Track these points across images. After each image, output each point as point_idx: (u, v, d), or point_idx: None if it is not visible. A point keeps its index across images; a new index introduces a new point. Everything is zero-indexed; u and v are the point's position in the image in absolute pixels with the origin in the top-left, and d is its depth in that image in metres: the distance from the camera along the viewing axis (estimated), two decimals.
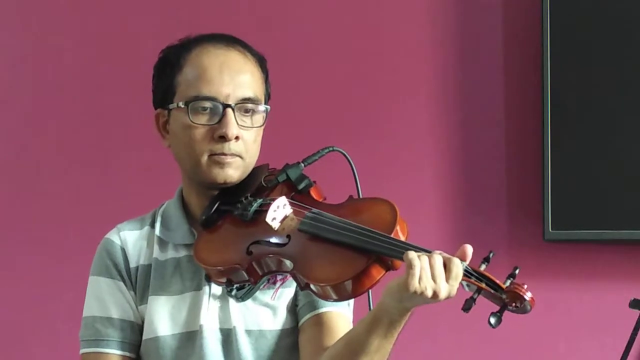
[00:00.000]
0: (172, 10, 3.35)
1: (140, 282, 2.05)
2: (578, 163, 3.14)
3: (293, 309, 2.05)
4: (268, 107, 2.06)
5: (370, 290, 1.90)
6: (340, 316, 2.04)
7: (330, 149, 2.06)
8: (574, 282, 3.23)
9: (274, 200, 1.96)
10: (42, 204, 3.38)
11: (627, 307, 2.86)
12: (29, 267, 3.37)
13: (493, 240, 3.25)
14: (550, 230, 3.14)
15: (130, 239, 2.08)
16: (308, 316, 2.03)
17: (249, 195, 2.02)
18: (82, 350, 2.08)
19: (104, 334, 2.05)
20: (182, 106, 2.01)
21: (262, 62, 2.09)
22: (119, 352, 2.05)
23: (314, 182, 2.02)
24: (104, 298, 2.06)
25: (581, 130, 3.15)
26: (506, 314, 1.75)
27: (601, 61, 3.14)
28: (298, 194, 2.00)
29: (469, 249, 1.79)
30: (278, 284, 2.04)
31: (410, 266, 1.73)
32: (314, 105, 3.32)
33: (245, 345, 2.01)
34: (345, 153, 2.06)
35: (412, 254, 1.74)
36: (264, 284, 2.01)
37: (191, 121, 2.00)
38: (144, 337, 2.04)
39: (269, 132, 2.09)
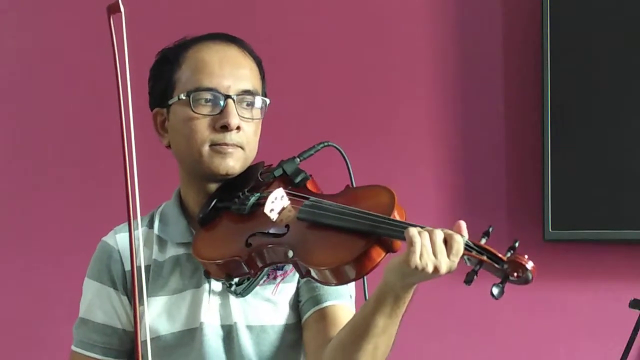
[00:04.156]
0: (173, 12, 3.35)
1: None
2: (578, 163, 3.14)
3: (295, 305, 2.05)
4: (268, 100, 2.08)
5: (365, 278, 1.91)
6: (344, 309, 2.04)
7: (326, 143, 2.07)
8: (574, 282, 3.23)
9: (271, 193, 1.96)
10: (42, 204, 3.38)
11: (627, 307, 2.86)
12: (28, 267, 3.37)
13: (493, 240, 3.24)
14: (550, 230, 3.14)
15: (126, 241, 2.07)
16: (311, 311, 2.03)
17: (246, 190, 2.02)
18: (72, 347, 2.10)
19: (88, 337, 2.07)
20: (184, 98, 2.02)
21: (259, 62, 2.11)
22: (101, 357, 2.07)
23: (310, 175, 2.03)
24: (93, 302, 2.08)
25: (581, 130, 3.15)
26: (509, 287, 1.74)
27: (601, 61, 3.14)
28: (295, 187, 2.00)
29: (464, 224, 1.79)
30: (279, 279, 2.04)
31: (411, 243, 1.73)
32: (314, 106, 3.32)
33: (246, 341, 2.02)
34: (340, 148, 2.07)
35: (412, 231, 1.75)
36: (264, 279, 2.01)
37: (193, 111, 2.01)
38: (144, 338, 2.03)
39: (267, 130, 2.10)
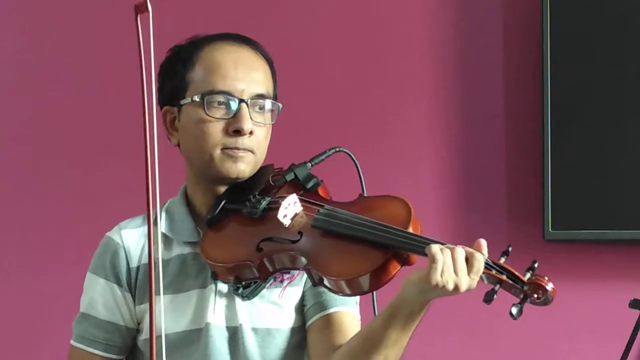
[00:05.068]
0: (173, 12, 3.35)
1: (141, 281, 2.04)
2: (578, 163, 3.14)
3: (301, 308, 2.05)
4: (280, 104, 2.07)
5: (375, 291, 1.90)
6: (349, 315, 2.03)
7: (337, 149, 2.07)
8: (574, 282, 3.23)
9: (283, 198, 1.95)
10: (42, 204, 3.37)
11: (627, 307, 2.86)
12: (28, 267, 3.37)
13: (493, 240, 3.23)
14: (550, 230, 3.14)
15: (132, 237, 2.07)
16: (317, 317, 2.03)
17: (256, 193, 2.02)
18: (71, 341, 2.09)
19: (89, 332, 2.06)
20: (197, 100, 2.01)
21: (271, 63, 2.10)
22: (102, 353, 2.05)
23: (322, 181, 2.02)
24: (95, 297, 2.06)
25: (581, 130, 3.15)
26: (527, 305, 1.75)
27: (601, 61, 3.14)
28: (306, 193, 1.99)
29: (484, 243, 1.80)
30: (285, 282, 2.03)
31: (433, 260, 1.74)
32: (314, 105, 3.32)
33: (251, 343, 2.01)
34: (351, 154, 2.07)
35: (435, 248, 1.75)
36: (271, 282, 2.01)
37: (206, 114, 2.00)
38: (146, 337, 2.03)
39: (273, 132, 2.09)
